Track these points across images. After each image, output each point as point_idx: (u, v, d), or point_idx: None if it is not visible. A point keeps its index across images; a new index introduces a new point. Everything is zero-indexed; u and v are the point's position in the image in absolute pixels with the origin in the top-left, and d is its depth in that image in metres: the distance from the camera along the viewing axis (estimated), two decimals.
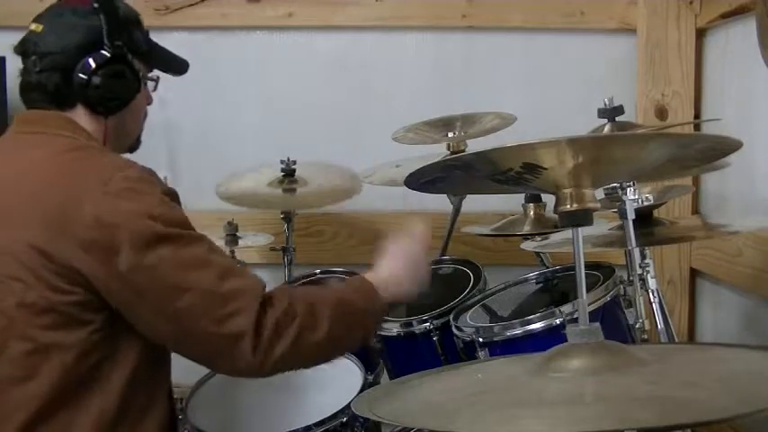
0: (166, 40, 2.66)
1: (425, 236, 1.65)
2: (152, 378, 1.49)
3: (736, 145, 1.09)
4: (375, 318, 1.56)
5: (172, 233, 1.40)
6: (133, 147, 1.69)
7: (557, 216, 1.08)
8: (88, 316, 1.40)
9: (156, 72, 1.70)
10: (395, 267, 1.58)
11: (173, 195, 1.49)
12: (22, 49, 1.54)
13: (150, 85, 1.67)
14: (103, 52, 1.52)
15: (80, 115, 1.55)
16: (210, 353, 1.43)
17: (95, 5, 1.54)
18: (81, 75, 1.51)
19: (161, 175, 2.12)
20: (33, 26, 1.54)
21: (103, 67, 1.52)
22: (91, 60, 1.51)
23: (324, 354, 1.52)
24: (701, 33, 2.54)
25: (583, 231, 1.08)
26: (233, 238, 2.37)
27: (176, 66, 1.74)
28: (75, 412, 1.40)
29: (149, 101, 1.70)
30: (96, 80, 1.52)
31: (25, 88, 1.55)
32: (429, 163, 1.09)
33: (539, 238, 2.04)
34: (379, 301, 1.53)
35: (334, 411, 1.72)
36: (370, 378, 1.88)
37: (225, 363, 1.44)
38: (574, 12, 2.64)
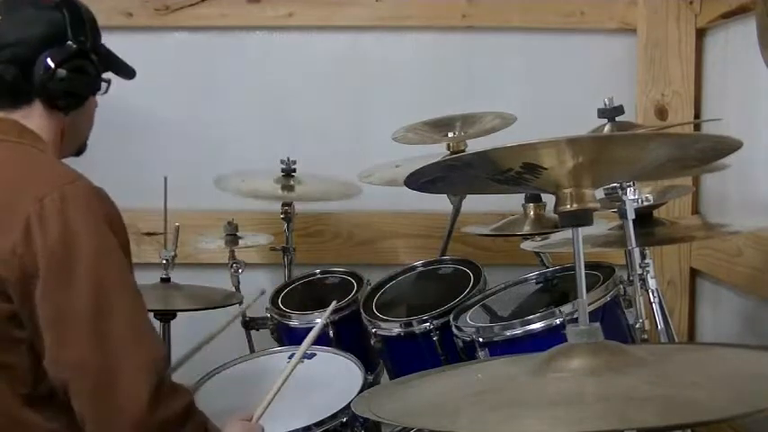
0: (166, 40, 2.71)
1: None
2: None
3: (736, 145, 1.09)
4: None
5: (93, 267, 1.34)
6: (81, 150, 1.65)
7: (557, 216, 1.08)
8: (18, 334, 1.36)
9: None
10: None
11: (114, 219, 1.42)
12: None
13: (102, 87, 1.62)
14: (69, 44, 1.49)
15: (36, 113, 1.50)
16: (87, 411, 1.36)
17: (57, 1, 1.50)
18: (44, 68, 1.47)
19: (161, 174, 2.14)
20: None
21: (68, 61, 1.48)
22: (55, 53, 1.47)
23: None
24: (700, 33, 2.54)
25: (583, 231, 1.08)
26: (233, 238, 2.37)
27: (127, 70, 1.69)
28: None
29: (96, 105, 1.65)
30: (61, 73, 1.47)
31: None
32: (429, 163, 1.09)
33: (539, 238, 2.04)
34: None
35: (334, 411, 1.71)
36: (370, 378, 1.88)
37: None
38: (574, 12, 2.64)
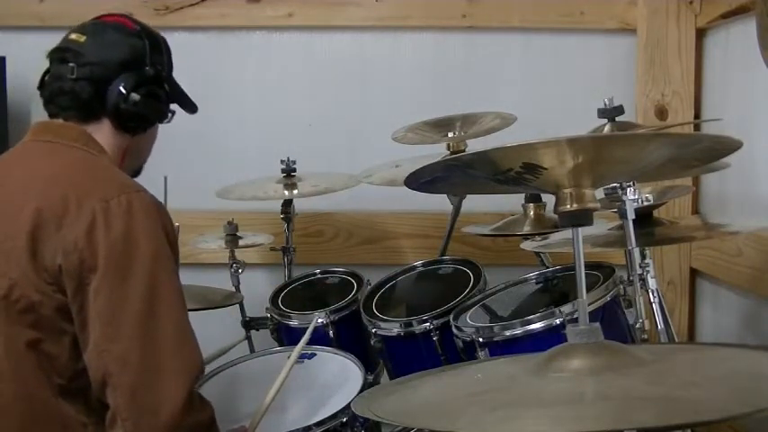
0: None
1: None
2: None
3: (736, 145, 1.09)
4: None
5: (149, 269, 1.41)
6: (138, 172, 1.72)
7: (557, 216, 1.08)
8: (65, 326, 1.42)
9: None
10: None
11: (169, 231, 1.49)
12: (60, 56, 1.56)
13: (168, 116, 1.71)
14: (146, 71, 1.58)
15: (104, 130, 1.58)
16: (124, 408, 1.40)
17: (138, 29, 1.60)
18: (118, 90, 1.55)
19: (161, 174, 2.14)
20: (74, 36, 1.57)
21: (144, 85, 1.57)
22: (131, 77, 1.56)
23: None
24: (700, 33, 2.54)
25: (583, 231, 1.08)
26: (233, 238, 2.37)
27: (190, 104, 1.77)
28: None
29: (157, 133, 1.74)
30: (134, 97, 1.55)
31: (56, 93, 1.56)
32: (429, 163, 1.09)
33: (539, 238, 2.04)
34: None
35: (334, 411, 1.71)
36: (370, 378, 1.88)
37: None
38: (573, 12, 2.64)
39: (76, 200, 1.41)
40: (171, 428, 1.37)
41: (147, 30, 1.62)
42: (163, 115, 1.66)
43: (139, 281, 1.39)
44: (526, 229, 2.09)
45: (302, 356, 2.00)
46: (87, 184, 1.46)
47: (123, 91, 1.55)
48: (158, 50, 1.62)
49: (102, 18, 1.63)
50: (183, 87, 1.73)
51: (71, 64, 1.54)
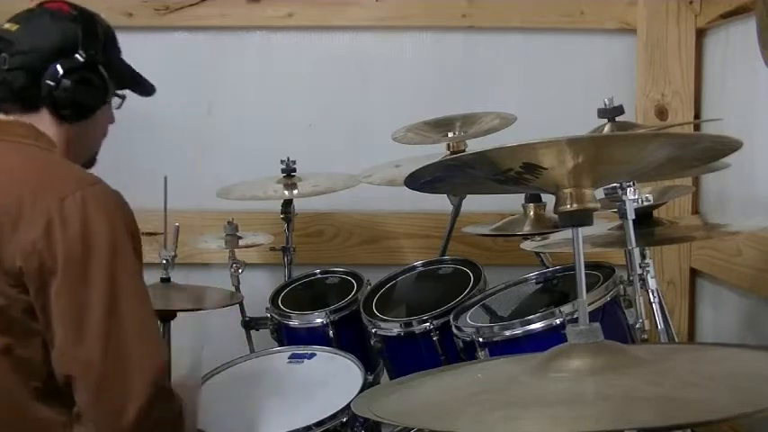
0: (166, 40, 2.71)
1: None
2: None
3: (736, 145, 1.09)
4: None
5: (109, 268, 1.39)
6: (89, 163, 1.67)
7: (557, 216, 1.08)
8: (34, 326, 1.40)
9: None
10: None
11: (129, 224, 1.47)
12: None
13: (115, 102, 1.66)
14: (77, 57, 1.53)
15: (44, 120, 1.54)
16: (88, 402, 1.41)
17: (74, 13, 1.55)
18: (50, 77, 1.51)
19: (161, 174, 2.14)
20: (8, 25, 1.54)
21: (74, 72, 1.52)
22: (62, 64, 1.51)
23: None
24: (700, 33, 2.54)
25: (583, 231, 1.08)
26: (233, 238, 2.37)
27: (145, 87, 1.72)
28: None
29: (112, 119, 1.68)
30: (65, 83, 1.51)
31: None
32: (429, 163, 1.09)
33: (539, 238, 2.04)
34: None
35: (335, 411, 1.71)
36: (370, 378, 1.88)
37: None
38: (573, 12, 2.64)
39: (31, 200, 1.39)
40: (134, 427, 1.37)
41: (83, 14, 1.56)
42: (100, 101, 1.59)
43: (99, 281, 1.38)
44: (526, 229, 2.09)
45: (302, 356, 2.00)
46: (41, 182, 1.43)
47: (54, 78, 1.51)
48: (93, 34, 1.56)
49: (38, 4, 1.58)
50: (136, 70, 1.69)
51: (3, 54, 1.50)
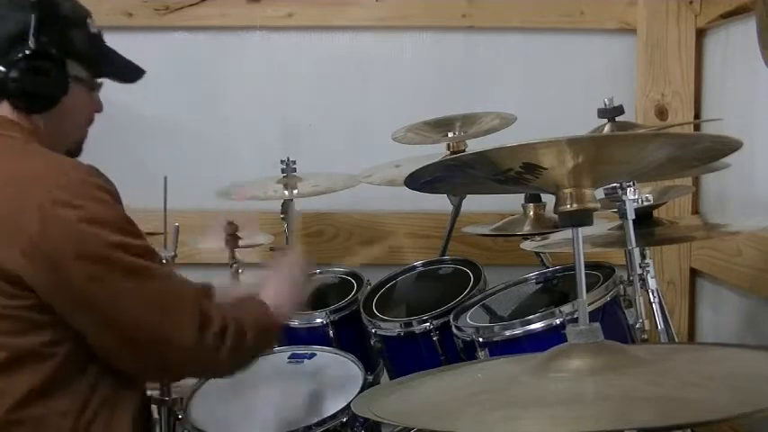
0: (166, 40, 2.71)
1: (298, 262, 1.75)
2: (117, 376, 1.48)
3: (736, 145, 1.09)
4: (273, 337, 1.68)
5: (116, 241, 1.38)
6: (72, 153, 1.62)
7: (557, 216, 1.08)
8: (43, 318, 1.39)
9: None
10: (279, 295, 1.63)
11: (114, 195, 1.46)
12: None
13: (77, 89, 1.58)
14: (28, 45, 1.46)
15: (6, 111, 1.50)
16: (151, 362, 1.46)
17: (32, 1, 1.49)
18: (3, 66, 1.46)
19: (161, 174, 2.14)
20: None
21: (24, 60, 1.46)
22: (12, 53, 1.46)
23: (244, 363, 1.58)
24: (700, 33, 2.54)
25: (583, 231, 1.08)
26: (233, 238, 2.36)
27: (125, 73, 1.67)
28: (43, 412, 1.40)
29: (97, 107, 1.64)
30: (14, 74, 1.46)
31: None
32: (429, 163, 1.09)
33: (539, 238, 2.04)
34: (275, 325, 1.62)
35: (334, 411, 1.71)
36: (370, 378, 1.88)
37: (166, 371, 1.52)
38: (573, 12, 2.64)
39: (20, 200, 1.37)
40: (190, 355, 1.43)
41: (43, 1, 1.50)
42: (57, 90, 1.52)
43: (102, 257, 1.37)
44: (526, 229, 2.09)
45: (302, 356, 2.00)
46: (29, 175, 1.41)
47: (5, 68, 1.46)
48: (52, 21, 1.50)
49: None
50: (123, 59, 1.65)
51: None
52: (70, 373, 1.42)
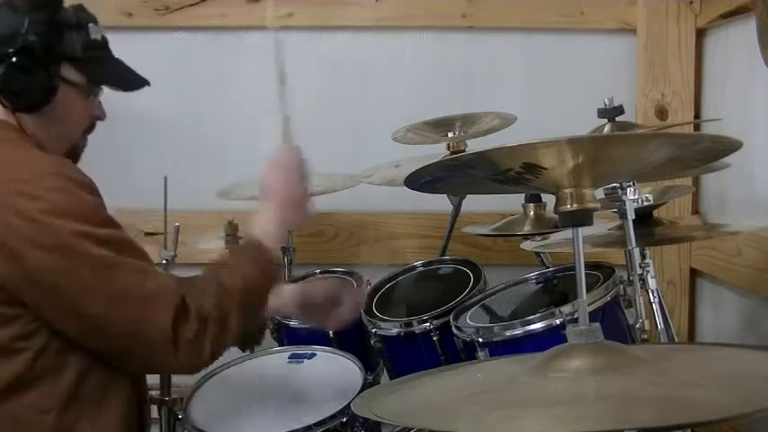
0: (166, 40, 2.71)
1: (291, 161, 1.72)
2: (105, 375, 1.49)
3: (736, 145, 1.09)
4: (272, 283, 1.59)
5: (84, 232, 1.38)
6: (71, 156, 1.62)
7: (557, 216, 1.08)
8: (10, 312, 1.40)
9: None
10: (279, 216, 1.62)
11: (90, 188, 1.46)
12: None
13: (71, 92, 1.58)
14: (11, 45, 1.47)
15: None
16: (123, 353, 1.45)
17: (25, 3, 1.49)
18: None
19: (161, 174, 2.14)
20: None
21: (9, 57, 1.47)
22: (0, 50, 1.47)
23: (237, 338, 1.53)
24: (700, 33, 2.54)
25: (583, 231, 1.08)
26: (233, 238, 2.36)
27: (125, 81, 1.66)
28: (19, 409, 1.41)
29: (97, 114, 1.64)
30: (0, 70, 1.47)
31: None
32: (429, 163, 1.09)
33: (539, 238, 2.04)
34: (273, 266, 1.58)
35: (334, 411, 1.71)
36: (370, 378, 1.88)
37: (140, 364, 1.49)
38: (574, 12, 2.64)
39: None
40: (175, 342, 1.40)
41: (35, 3, 1.50)
42: (42, 92, 1.51)
43: (63, 247, 1.37)
44: (526, 229, 2.09)
45: (302, 356, 2.00)
46: (8, 179, 1.42)
47: None
48: (47, 23, 1.50)
49: None
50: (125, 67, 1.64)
51: None
52: (46, 367, 1.42)
